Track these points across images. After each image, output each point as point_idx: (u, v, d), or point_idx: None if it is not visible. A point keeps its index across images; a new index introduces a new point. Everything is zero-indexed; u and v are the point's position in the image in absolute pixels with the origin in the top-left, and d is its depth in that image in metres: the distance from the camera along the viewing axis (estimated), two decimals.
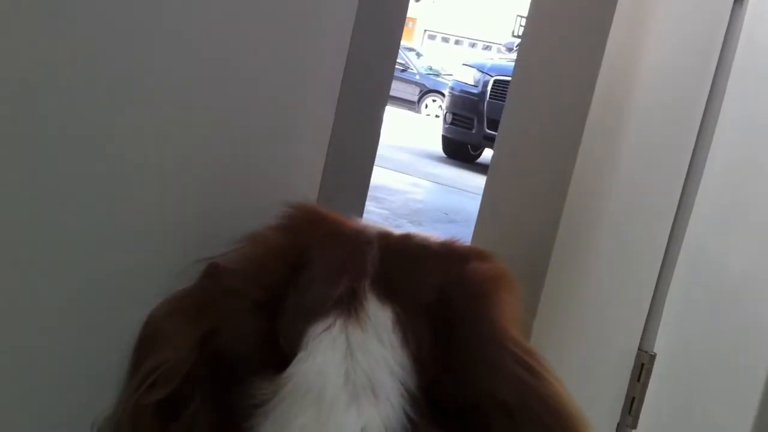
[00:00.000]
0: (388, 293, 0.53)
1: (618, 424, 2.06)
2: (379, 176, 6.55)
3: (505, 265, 0.57)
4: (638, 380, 2.04)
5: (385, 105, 0.78)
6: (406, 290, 0.53)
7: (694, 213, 1.95)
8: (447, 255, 0.57)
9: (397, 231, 0.60)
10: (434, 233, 0.60)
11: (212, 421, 0.52)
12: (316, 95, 0.70)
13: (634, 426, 2.07)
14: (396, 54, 0.77)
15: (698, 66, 1.38)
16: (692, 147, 1.88)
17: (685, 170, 1.88)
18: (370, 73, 0.73)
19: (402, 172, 7.05)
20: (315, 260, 0.55)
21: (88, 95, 0.56)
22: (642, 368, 2.05)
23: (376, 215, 4.80)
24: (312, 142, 0.71)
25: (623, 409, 2.06)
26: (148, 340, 0.54)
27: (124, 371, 0.54)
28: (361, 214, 0.76)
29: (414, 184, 6.68)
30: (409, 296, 0.53)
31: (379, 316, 0.52)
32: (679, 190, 1.91)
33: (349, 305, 0.52)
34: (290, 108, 0.70)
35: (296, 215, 0.59)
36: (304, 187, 0.71)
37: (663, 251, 1.96)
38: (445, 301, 0.53)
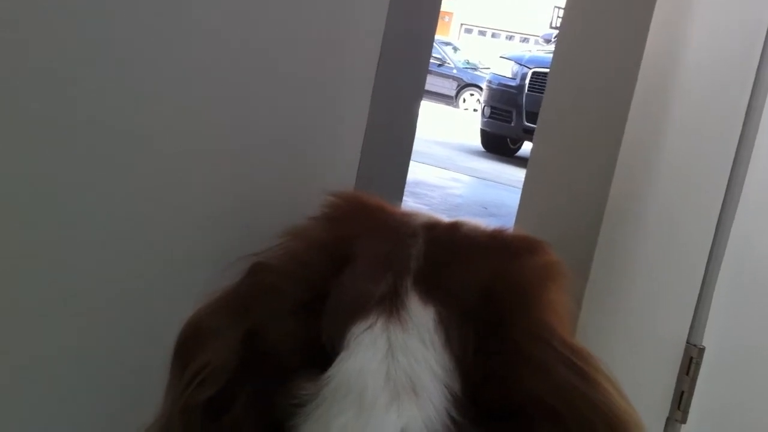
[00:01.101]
0: (432, 291, 0.52)
1: (667, 418, 2.02)
2: (417, 171, 6.53)
3: (557, 257, 0.55)
4: (687, 374, 2.00)
5: (421, 98, 0.77)
6: (451, 288, 0.52)
7: (742, 202, 1.90)
8: (496, 248, 0.55)
9: (445, 220, 0.59)
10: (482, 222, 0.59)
11: (256, 419, 0.52)
12: (350, 88, 0.70)
13: (684, 421, 2.03)
14: (430, 45, 0.76)
15: (744, 52, 1.34)
16: (738, 135, 1.84)
17: (732, 159, 1.84)
18: (405, 65, 0.72)
19: (441, 167, 7.02)
20: (358, 255, 0.54)
21: (119, 83, 0.57)
22: (691, 362, 2.01)
23: None
24: (347, 136, 0.70)
25: (672, 404, 2.02)
26: (194, 338, 0.54)
27: (166, 370, 0.55)
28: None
29: (453, 179, 6.64)
30: (454, 295, 0.52)
31: (421, 315, 0.51)
32: (726, 179, 1.87)
33: (390, 304, 0.51)
34: (325, 101, 0.70)
35: (340, 204, 0.58)
36: (341, 180, 0.70)
37: (710, 242, 1.92)
38: (490, 301, 0.51)
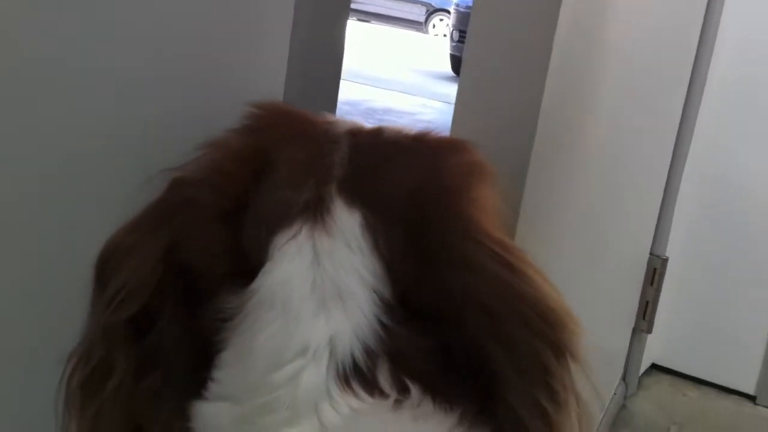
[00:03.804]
0: (357, 196, 0.50)
1: (633, 329, 2.06)
2: (387, 99, 6.46)
3: (483, 156, 0.53)
4: (651, 284, 2.03)
5: (348, 12, 0.73)
6: (376, 192, 0.50)
7: (703, 107, 1.89)
8: (420, 150, 0.53)
9: (368, 126, 0.56)
10: (408, 126, 0.56)
11: (181, 335, 0.51)
12: (270, 9, 0.66)
13: (650, 330, 2.07)
14: None
15: None
16: (697, 41, 1.81)
17: (692, 62, 1.81)
18: None
19: (410, 94, 6.94)
20: (279, 164, 0.51)
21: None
22: (655, 272, 2.04)
23: None
24: (271, 53, 0.66)
25: (637, 314, 2.05)
26: (112, 257, 0.52)
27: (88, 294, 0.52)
28: None
29: (423, 105, 6.58)
30: (380, 198, 0.50)
31: (347, 221, 0.49)
32: (687, 81, 1.85)
33: (315, 211, 0.49)
34: (246, 16, 0.65)
35: (260, 115, 0.55)
36: (268, 92, 0.67)
37: (671, 151, 1.91)
38: (417, 201, 0.49)
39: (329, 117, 0.57)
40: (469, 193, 0.50)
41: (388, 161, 0.52)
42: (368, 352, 0.46)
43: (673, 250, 2.02)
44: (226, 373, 0.47)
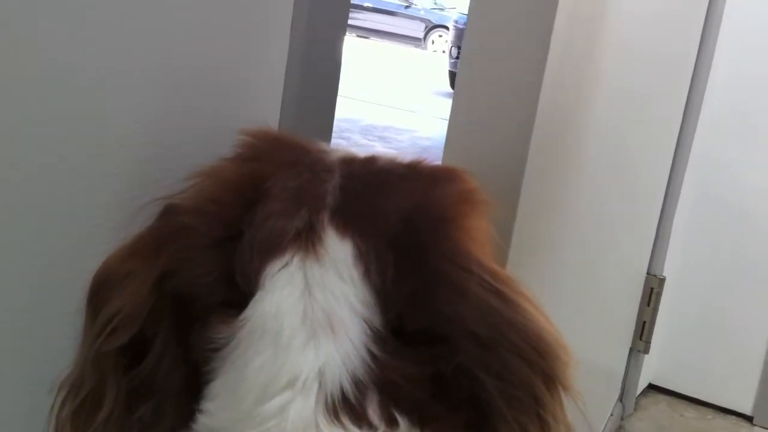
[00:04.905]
0: (349, 225, 0.50)
1: (630, 349, 2.05)
2: (386, 116, 6.48)
3: (476, 184, 0.53)
4: (648, 304, 2.02)
5: (344, 32, 0.73)
6: (368, 220, 0.50)
7: (700, 125, 1.89)
8: (413, 178, 0.53)
9: (362, 154, 0.56)
10: (404, 155, 0.57)
11: (173, 365, 0.50)
12: (267, 25, 0.66)
13: (647, 351, 2.06)
14: None
15: None
16: (691, 71, 1.81)
17: (688, 86, 1.81)
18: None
19: (409, 111, 6.96)
20: (272, 192, 0.51)
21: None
22: (651, 292, 2.03)
23: None
24: (267, 76, 0.66)
25: (635, 334, 2.05)
26: (104, 285, 0.52)
27: (80, 323, 0.52)
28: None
29: (422, 122, 6.60)
30: (371, 226, 0.50)
31: (338, 249, 0.49)
32: (683, 103, 1.85)
33: (306, 240, 0.49)
34: (243, 39, 0.66)
35: (253, 144, 0.55)
36: (263, 118, 0.67)
37: (668, 171, 1.92)
38: (409, 229, 0.49)
39: (322, 145, 0.57)
40: (462, 221, 0.50)
41: (381, 189, 0.52)
42: (357, 383, 0.46)
43: (670, 270, 2.02)
44: (216, 405, 0.47)
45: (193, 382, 0.49)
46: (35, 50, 0.51)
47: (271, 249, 0.49)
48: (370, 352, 0.46)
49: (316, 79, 0.71)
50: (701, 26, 1.80)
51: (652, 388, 2.20)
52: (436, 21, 15.79)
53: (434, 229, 0.49)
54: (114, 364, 0.50)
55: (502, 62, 0.75)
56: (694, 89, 1.83)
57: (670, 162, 1.89)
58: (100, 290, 0.52)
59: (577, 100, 0.94)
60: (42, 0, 0.51)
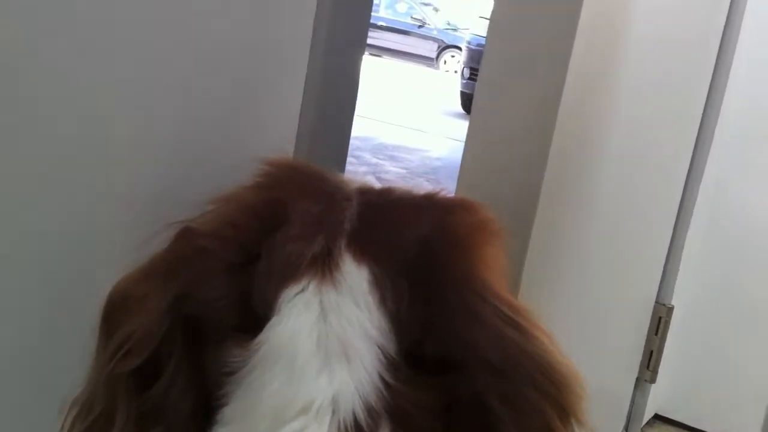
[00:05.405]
0: (366, 251, 0.50)
1: (637, 378, 2.04)
2: (396, 135, 6.50)
3: (492, 216, 0.54)
4: (656, 333, 2.01)
5: (363, 53, 0.74)
6: (385, 248, 0.50)
7: (711, 156, 1.89)
8: (429, 208, 0.54)
9: (378, 185, 0.57)
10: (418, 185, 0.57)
11: (186, 389, 0.50)
12: (286, 45, 0.67)
13: (653, 380, 2.04)
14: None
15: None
16: (708, 82, 1.81)
17: (701, 110, 1.81)
18: (344, 19, 0.69)
19: (420, 130, 6.98)
20: (290, 218, 0.52)
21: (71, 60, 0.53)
22: (660, 321, 2.02)
23: (393, 174, 4.76)
24: (285, 95, 0.67)
25: (641, 363, 2.03)
26: (119, 306, 0.52)
27: (92, 343, 0.52)
28: (342, 168, 0.73)
29: (432, 141, 6.61)
30: (388, 254, 0.50)
31: (354, 276, 0.49)
32: (696, 130, 1.84)
33: (323, 266, 0.49)
34: (261, 62, 0.66)
35: (272, 172, 0.56)
36: (280, 141, 0.67)
37: (678, 200, 1.91)
38: (425, 257, 0.50)
39: (339, 175, 0.58)
40: (478, 250, 0.51)
41: (397, 218, 0.53)
42: (370, 411, 0.46)
43: (679, 299, 2.01)
44: (229, 430, 0.47)
45: (204, 407, 0.49)
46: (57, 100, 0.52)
47: (288, 274, 0.49)
48: (383, 380, 0.46)
49: (334, 99, 0.71)
50: (713, 62, 1.80)
51: (657, 418, 2.18)
52: (448, 41, 15.87)
53: (450, 256, 0.50)
54: (126, 387, 0.51)
55: (519, 88, 0.75)
56: (704, 124, 1.83)
57: (681, 191, 1.88)
58: (114, 311, 0.52)
59: (591, 126, 0.94)
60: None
